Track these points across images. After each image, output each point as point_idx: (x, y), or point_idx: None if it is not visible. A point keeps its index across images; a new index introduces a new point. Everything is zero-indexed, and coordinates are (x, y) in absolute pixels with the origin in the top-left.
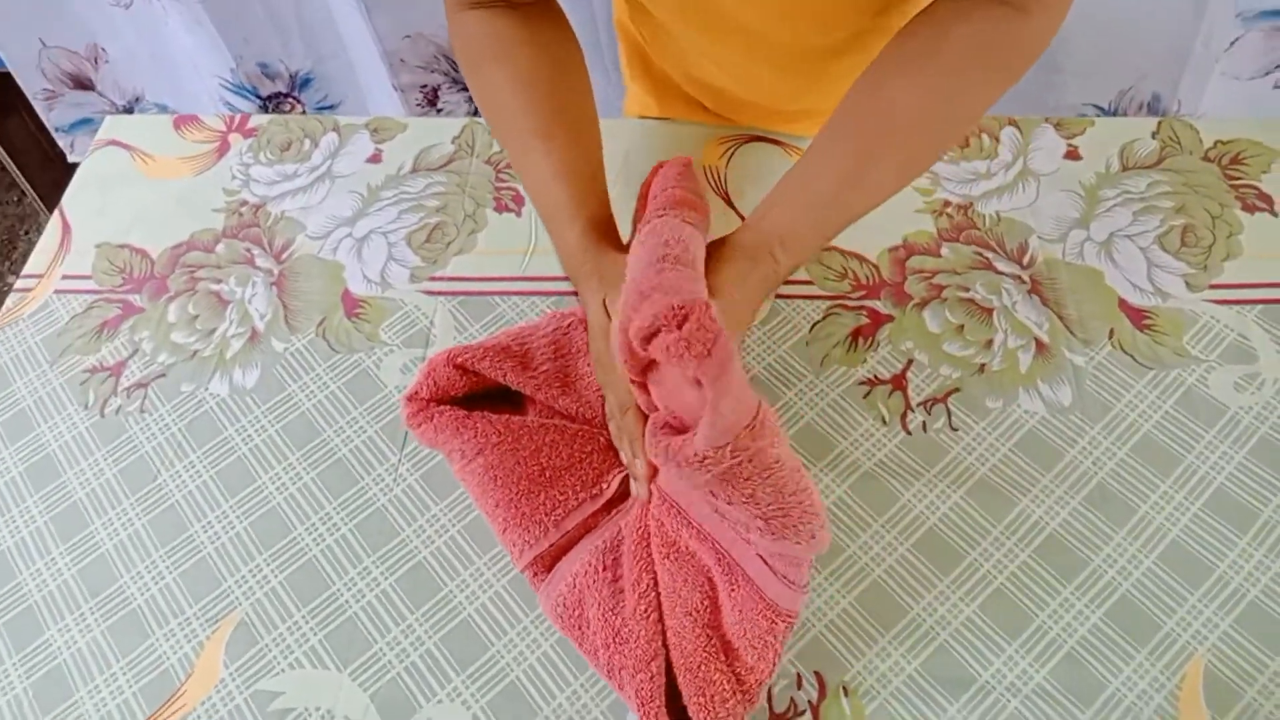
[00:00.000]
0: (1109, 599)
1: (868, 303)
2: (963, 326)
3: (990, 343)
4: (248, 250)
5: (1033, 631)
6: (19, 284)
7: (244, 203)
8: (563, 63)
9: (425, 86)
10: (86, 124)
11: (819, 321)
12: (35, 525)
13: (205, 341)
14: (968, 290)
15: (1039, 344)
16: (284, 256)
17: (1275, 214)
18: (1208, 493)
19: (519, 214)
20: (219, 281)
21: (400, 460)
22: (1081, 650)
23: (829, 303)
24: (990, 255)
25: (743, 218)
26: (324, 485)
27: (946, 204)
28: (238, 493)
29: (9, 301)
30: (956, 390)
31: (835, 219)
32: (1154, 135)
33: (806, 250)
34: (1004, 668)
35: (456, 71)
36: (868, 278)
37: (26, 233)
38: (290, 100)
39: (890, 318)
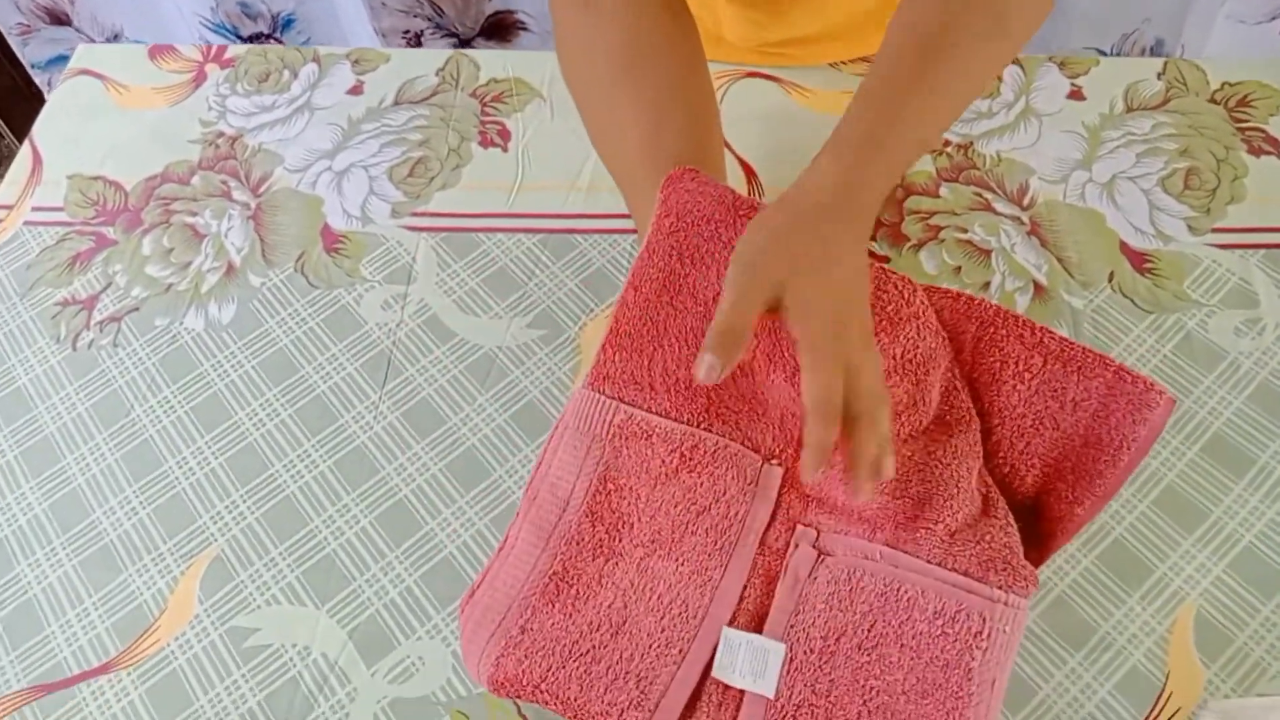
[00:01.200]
0: (1101, 543)
1: None
2: (960, 268)
3: (988, 285)
4: (224, 183)
5: None
6: None
7: (220, 134)
8: (688, 81)
9: (408, 32)
10: (63, 61)
11: None
12: (5, 459)
13: (180, 275)
14: (966, 231)
15: (1037, 286)
16: (261, 190)
17: None
18: (1205, 438)
19: (505, 149)
20: (194, 214)
21: (381, 398)
22: (1072, 594)
23: None
24: (990, 196)
25: (740, 159)
26: (302, 422)
27: (946, 143)
28: (213, 429)
29: None
30: None
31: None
32: (1159, 76)
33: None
34: None
35: (440, 16)
36: None
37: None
38: (271, 41)
39: (886, 259)
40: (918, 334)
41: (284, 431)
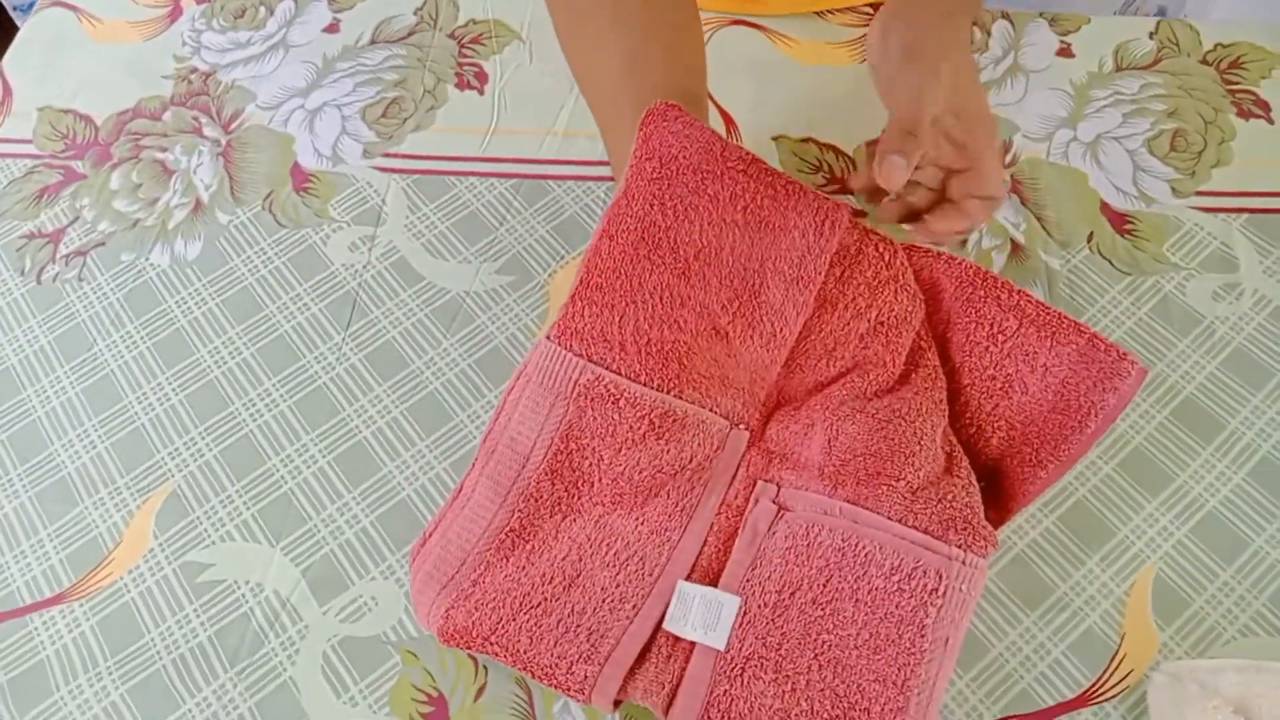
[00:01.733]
0: (1064, 504)
1: (840, 197)
2: None
3: (965, 242)
4: (195, 119)
5: None
6: None
7: (194, 70)
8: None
9: None
10: None
11: None
12: None
13: (148, 211)
14: None
15: (1014, 245)
16: (233, 126)
17: (1272, 121)
18: (1175, 401)
19: (481, 91)
20: (164, 150)
21: (344, 339)
22: (1031, 553)
23: None
24: None
25: (720, 108)
26: (264, 361)
27: None
28: (174, 365)
29: None
30: None
31: None
32: (1151, 35)
33: None
34: None
35: None
36: (843, 171)
37: None
38: None
39: (863, 213)
40: (894, 296)
41: (245, 370)
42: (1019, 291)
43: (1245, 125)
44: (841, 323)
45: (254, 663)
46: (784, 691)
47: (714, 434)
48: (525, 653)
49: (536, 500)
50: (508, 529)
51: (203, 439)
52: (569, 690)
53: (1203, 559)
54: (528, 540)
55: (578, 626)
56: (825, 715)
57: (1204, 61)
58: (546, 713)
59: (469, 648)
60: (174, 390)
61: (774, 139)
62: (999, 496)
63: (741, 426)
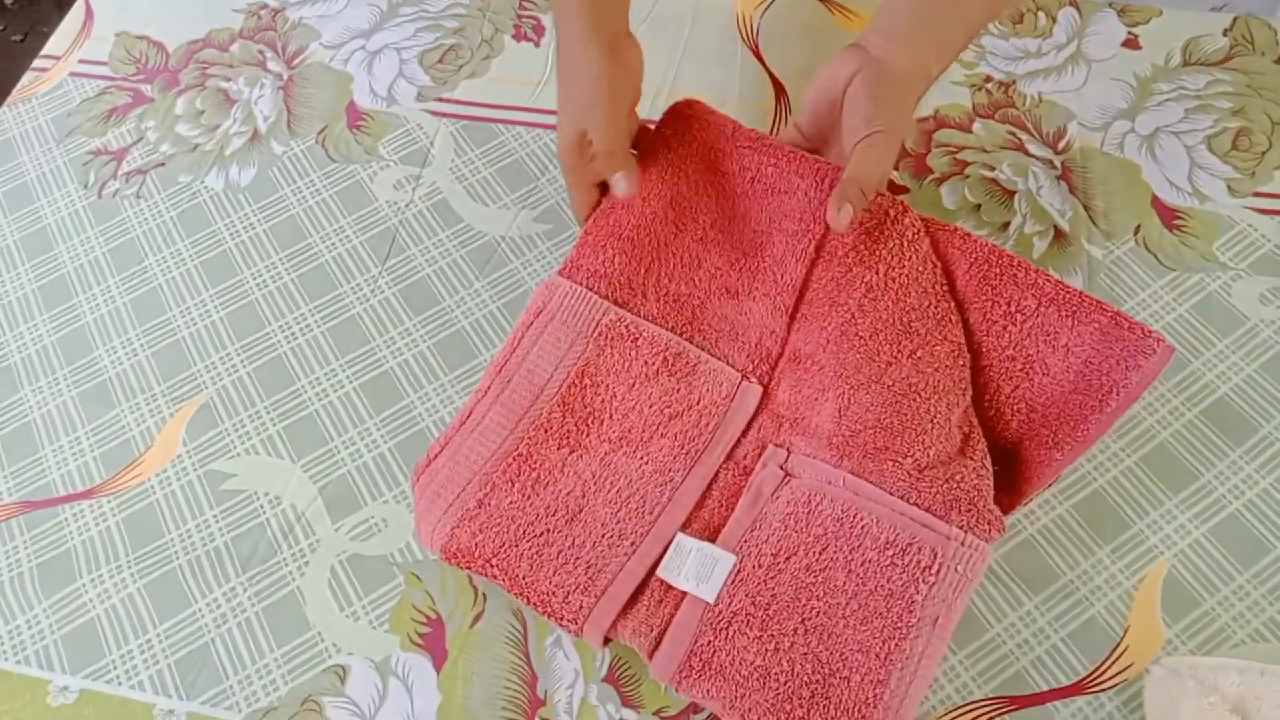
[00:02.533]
0: (1080, 492)
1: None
2: (980, 206)
3: (1007, 225)
4: (260, 52)
5: None
6: (36, 63)
7: (264, 6)
8: None
9: None
10: None
11: None
12: (23, 291)
13: (208, 136)
14: (993, 169)
15: (1058, 232)
16: (295, 62)
17: None
18: (1208, 401)
19: (537, 44)
20: (229, 80)
21: (380, 273)
22: (1040, 538)
23: None
24: (1024, 136)
25: (771, 74)
26: (303, 287)
27: (988, 79)
28: (219, 284)
29: (24, 79)
30: None
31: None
32: (1225, 32)
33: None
34: None
35: None
36: None
37: None
38: None
39: (905, 189)
40: (902, 250)
41: (284, 294)
42: (1036, 270)
43: None
44: (844, 268)
45: (265, 570)
46: (766, 650)
47: (723, 381)
48: (524, 579)
49: (546, 430)
50: (515, 454)
51: (238, 355)
52: (563, 620)
53: (1219, 560)
54: (534, 469)
55: (577, 559)
56: (805, 677)
57: (1279, 61)
58: (539, 646)
59: (470, 568)
60: (216, 307)
61: None
62: (1013, 479)
63: (752, 380)
